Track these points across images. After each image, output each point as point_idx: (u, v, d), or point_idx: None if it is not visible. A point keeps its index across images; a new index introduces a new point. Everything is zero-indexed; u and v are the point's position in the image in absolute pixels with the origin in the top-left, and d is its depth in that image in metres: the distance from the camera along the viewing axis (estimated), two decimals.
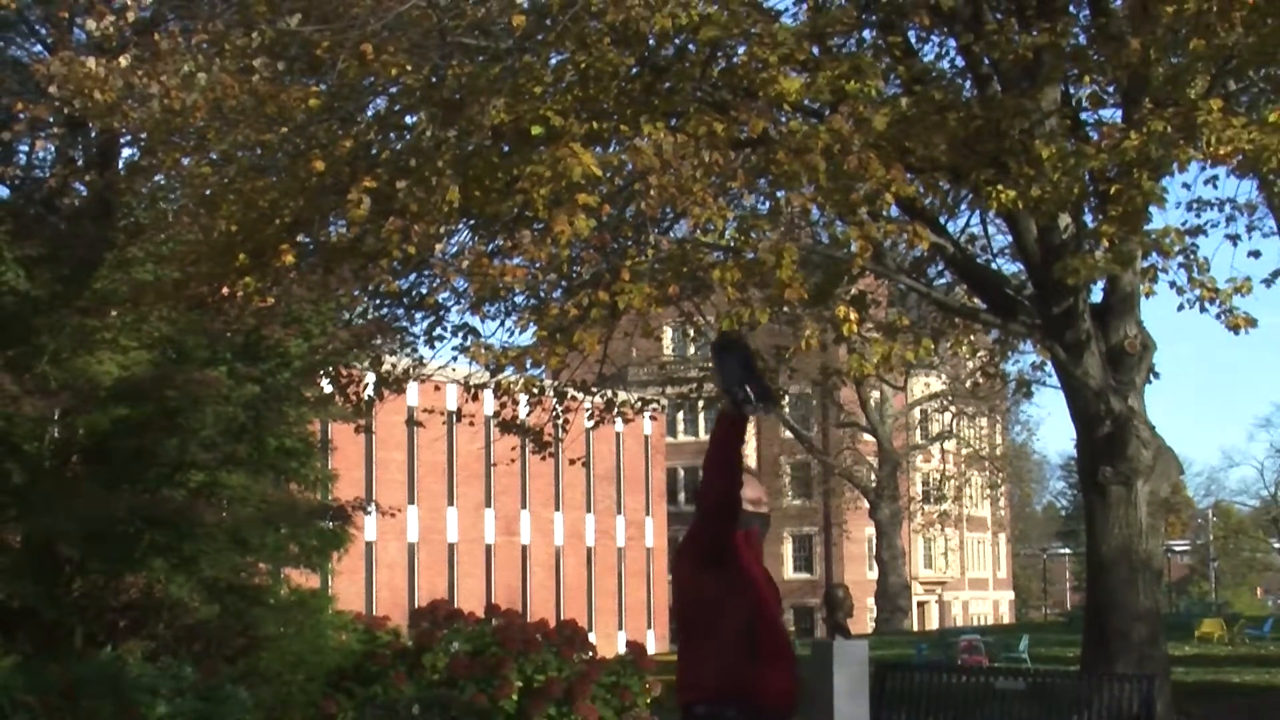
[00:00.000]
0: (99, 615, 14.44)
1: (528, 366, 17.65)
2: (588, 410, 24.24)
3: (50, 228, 14.62)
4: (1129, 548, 19.50)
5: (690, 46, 16.15)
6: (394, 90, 16.55)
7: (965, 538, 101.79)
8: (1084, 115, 18.83)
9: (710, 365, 7.25)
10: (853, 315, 16.09)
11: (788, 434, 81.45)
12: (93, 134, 16.51)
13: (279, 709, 13.81)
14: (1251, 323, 16.40)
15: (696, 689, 7.07)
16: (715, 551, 7.10)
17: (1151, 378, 20.12)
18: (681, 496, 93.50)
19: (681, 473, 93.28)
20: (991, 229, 22.94)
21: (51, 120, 15.96)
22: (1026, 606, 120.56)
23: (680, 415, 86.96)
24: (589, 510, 70.40)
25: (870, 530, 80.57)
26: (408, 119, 16.80)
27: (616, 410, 24.99)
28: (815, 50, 16.70)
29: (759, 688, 7.03)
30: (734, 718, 6.98)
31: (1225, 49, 15.87)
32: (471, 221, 18.11)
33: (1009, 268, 23.03)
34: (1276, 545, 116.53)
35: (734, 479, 7.07)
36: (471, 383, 21.52)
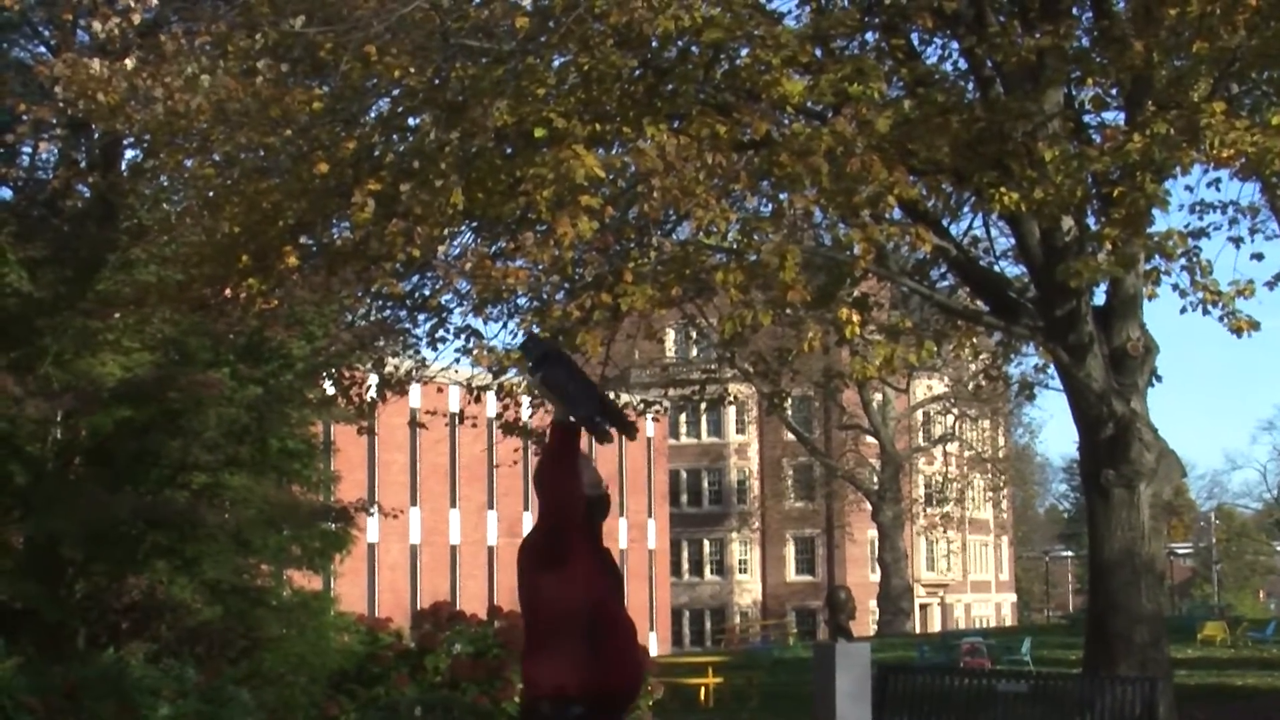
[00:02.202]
0: (101, 617, 14.44)
1: None
2: None
3: (53, 229, 14.63)
4: (1131, 550, 19.49)
5: (693, 49, 16.15)
6: (397, 92, 16.56)
7: (967, 540, 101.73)
8: (1087, 118, 18.84)
9: (557, 380, 7.14)
10: (855, 317, 16.08)
11: (790, 436, 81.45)
12: (96, 136, 16.52)
13: (281, 710, 13.81)
14: (1254, 325, 16.39)
15: (541, 686, 7.13)
16: (556, 554, 7.16)
17: (1154, 380, 20.12)
18: (684, 499, 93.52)
19: (684, 475, 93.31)
20: (994, 231, 22.94)
21: (55, 122, 15.97)
22: (1029, 609, 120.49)
23: (683, 417, 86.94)
24: None
25: (873, 532, 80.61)
26: (411, 121, 16.81)
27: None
28: (818, 52, 16.70)
29: (602, 683, 7.09)
30: (579, 715, 7.03)
31: (1228, 51, 15.87)
32: (474, 223, 18.13)
33: (1011, 270, 23.04)
34: (1279, 548, 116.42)
35: (573, 488, 7.12)
36: (474, 384, 21.52)
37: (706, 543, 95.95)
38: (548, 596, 7.13)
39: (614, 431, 7.21)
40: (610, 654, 7.11)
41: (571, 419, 7.04)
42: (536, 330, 17.52)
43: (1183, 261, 16.64)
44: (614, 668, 7.12)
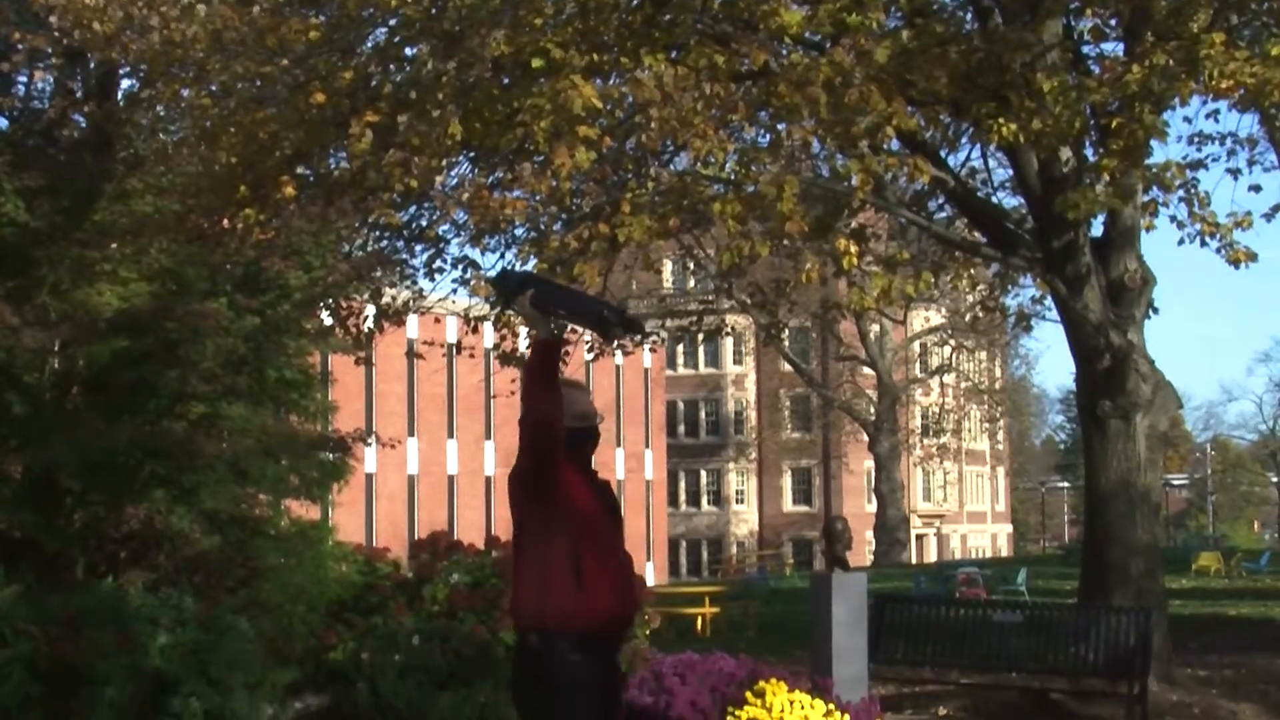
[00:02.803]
0: (100, 546, 14.48)
1: None
2: (587, 343, 24.26)
3: (49, 159, 14.58)
4: (1127, 481, 19.56)
5: None
6: (394, 22, 16.50)
7: (964, 471, 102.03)
8: (1085, 49, 18.77)
9: (554, 303, 7.06)
10: (853, 249, 16.07)
11: (787, 367, 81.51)
12: (92, 65, 16.47)
13: (280, 639, 13.86)
14: (1252, 257, 16.40)
15: (529, 617, 7.09)
16: (539, 481, 7.07)
17: (1151, 312, 20.14)
18: (681, 429, 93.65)
19: (681, 405, 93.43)
20: (992, 163, 22.92)
21: (50, 51, 15.91)
22: (1024, 539, 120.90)
23: (680, 348, 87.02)
24: None
25: (869, 463, 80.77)
26: (408, 51, 16.75)
27: (616, 342, 25.01)
28: None
29: (586, 618, 7.00)
30: (565, 650, 6.97)
31: None
32: (472, 154, 18.10)
33: (1009, 201, 23.02)
34: (1274, 479, 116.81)
35: (553, 407, 6.97)
36: (471, 315, 21.53)
37: (703, 473, 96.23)
38: (538, 525, 7.08)
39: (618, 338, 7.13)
40: (597, 587, 7.02)
41: (556, 333, 6.96)
42: (530, 263, 17.52)
43: (1181, 193, 16.64)
44: (599, 601, 7.02)
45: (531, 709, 7.11)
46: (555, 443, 6.98)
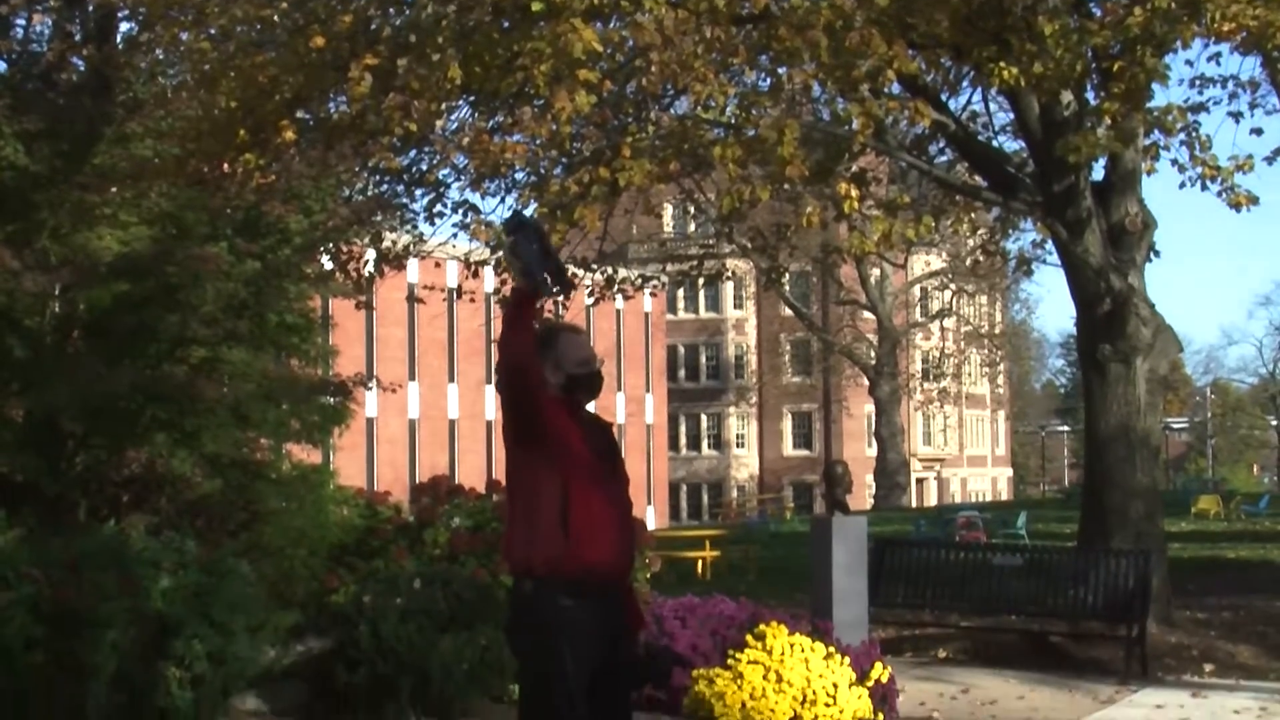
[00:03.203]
0: (101, 490, 14.48)
1: None
2: (588, 287, 24.26)
3: (48, 103, 14.53)
4: (1127, 425, 19.59)
5: None
6: None
7: (964, 415, 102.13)
8: None
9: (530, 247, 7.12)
10: (853, 192, 16.06)
11: (787, 311, 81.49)
12: (91, 8, 16.40)
13: (281, 582, 13.89)
14: (1253, 200, 16.39)
15: (519, 562, 7.14)
16: (525, 427, 7.07)
17: (1152, 256, 20.15)
18: (681, 373, 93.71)
19: (682, 350, 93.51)
20: (993, 106, 22.86)
21: None
22: (1024, 483, 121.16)
23: (680, 292, 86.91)
24: None
25: (869, 407, 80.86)
26: None
27: (617, 287, 25.01)
28: None
29: (575, 564, 7.00)
30: (557, 595, 6.98)
31: None
32: (472, 98, 18.05)
33: (1010, 145, 23.00)
34: (1274, 423, 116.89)
35: (526, 355, 6.98)
36: (472, 260, 21.52)
37: (704, 417, 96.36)
38: (527, 472, 7.08)
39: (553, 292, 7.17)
40: (587, 533, 7.00)
41: (527, 284, 6.99)
42: (531, 207, 17.49)
43: (1182, 136, 16.61)
44: (589, 547, 7.00)
45: (525, 653, 7.15)
46: (530, 388, 6.99)
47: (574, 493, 7.02)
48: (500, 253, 19.06)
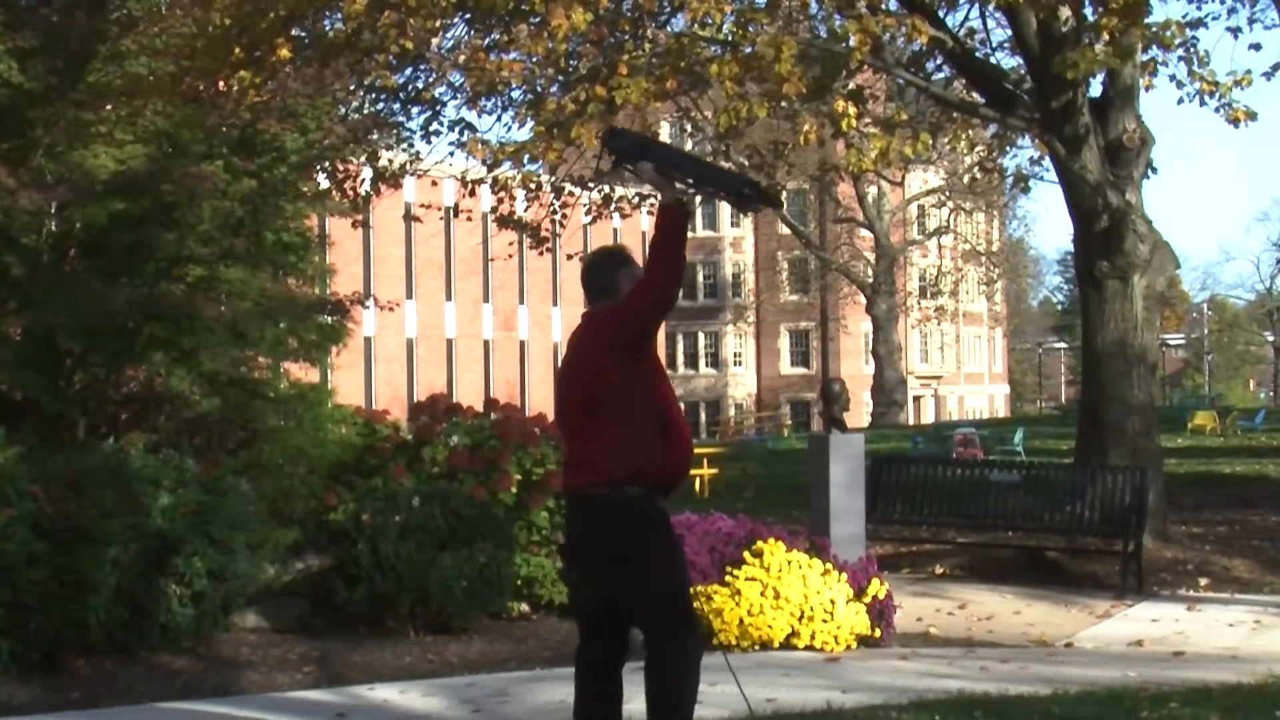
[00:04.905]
0: (100, 408, 14.50)
1: (525, 162, 17.64)
2: (585, 205, 24.24)
3: (42, 19, 14.44)
4: (1124, 341, 19.63)
5: None
6: None
7: (961, 332, 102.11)
8: None
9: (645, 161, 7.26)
10: (851, 110, 16.05)
11: (785, 229, 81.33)
12: None
13: (280, 500, 13.94)
14: (1251, 116, 16.38)
15: (597, 470, 7.18)
16: (641, 339, 7.26)
17: (1149, 172, 20.13)
18: (680, 291, 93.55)
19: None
20: (991, 22, 22.80)
21: None
22: (1022, 400, 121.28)
23: None
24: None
25: (867, 325, 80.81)
26: None
27: (614, 205, 24.98)
28: None
29: (666, 467, 7.22)
30: (635, 494, 7.13)
31: None
32: (468, 15, 17.98)
33: (1008, 62, 22.93)
34: (1270, 338, 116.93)
35: (681, 275, 7.21)
36: (469, 178, 21.49)
37: (701, 336, 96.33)
38: (623, 380, 7.19)
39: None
40: (676, 444, 7.26)
41: (684, 199, 7.13)
42: (527, 127, 17.45)
43: (1180, 52, 16.60)
44: (677, 456, 7.26)
45: (643, 553, 7.20)
46: (672, 307, 7.28)
47: (669, 402, 7.28)
48: (495, 172, 19.03)
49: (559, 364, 7.60)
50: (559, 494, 14.27)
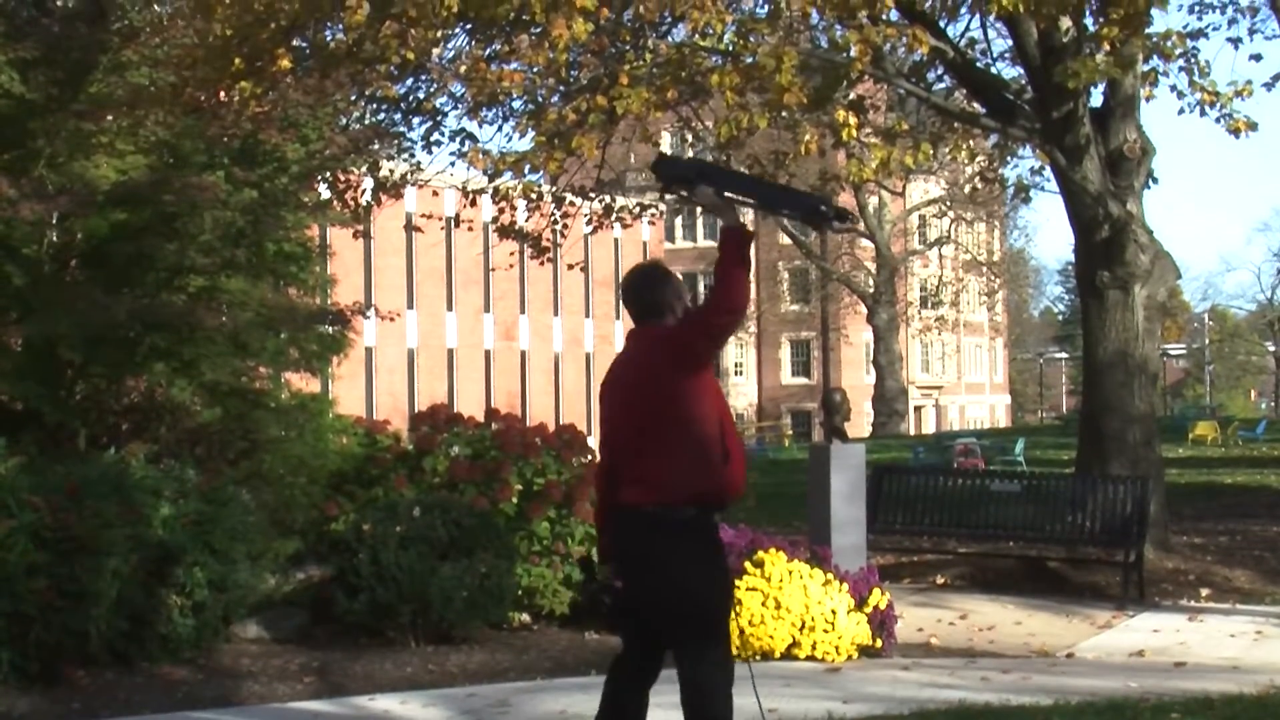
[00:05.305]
0: (101, 418, 14.51)
1: (526, 172, 17.65)
2: (586, 215, 24.24)
3: (44, 30, 14.47)
4: (1125, 351, 19.61)
5: None
6: None
7: (962, 342, 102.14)
8: None
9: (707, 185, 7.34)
10: (852, 120, 16.04)
11: (786, 239, 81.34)
12: None
13: (281, 510, 13.95)
14: (1252, 126, 16.38)
15: (658, 491, 7.21)
16: (706, 360, 7.32)
17: (1150, 182, 20.12)
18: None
19: (680, 278, 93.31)
20: (991, 33, 22.79)
21: None
22: (1022, 410, 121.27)
23: (678, 220, 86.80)
24: (587, 316, 70.59)
25: (868, 335, 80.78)
26: None
27: (615, 215, 24.98)
28: None
29: (724, 487, 7.29)
30: (691, 514, 7.19)
31: None
32: (469, 26, 17.99)
33: (1009, 72, 22.92)
34: (1271, 349, 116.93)
35: (748, 296, 7.25)
36: (470, 188, 21.50)
37: None
38: (684, 400, 7.23)
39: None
40: (737, 458, 7.35)
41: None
42: (527, 137, 17.45)
43: (1181, 62, 16.60)
44: (736, 474, 7.34)
45: (693, 574, 7.22)
46: (739, 326, 7.48)
47: (727, 420, 7.34)
48: (496, 182, 19.02)
49: (603, 381, 7.59)
50: (559, 504, 14.28)
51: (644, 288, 7.58)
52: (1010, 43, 21.21)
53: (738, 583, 12.96)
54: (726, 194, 7.35)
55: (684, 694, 7.22)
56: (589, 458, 15.18)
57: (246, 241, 14.60)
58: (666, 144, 66.67)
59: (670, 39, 19.08)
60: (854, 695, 11.03)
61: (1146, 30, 16.32)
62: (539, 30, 15.48)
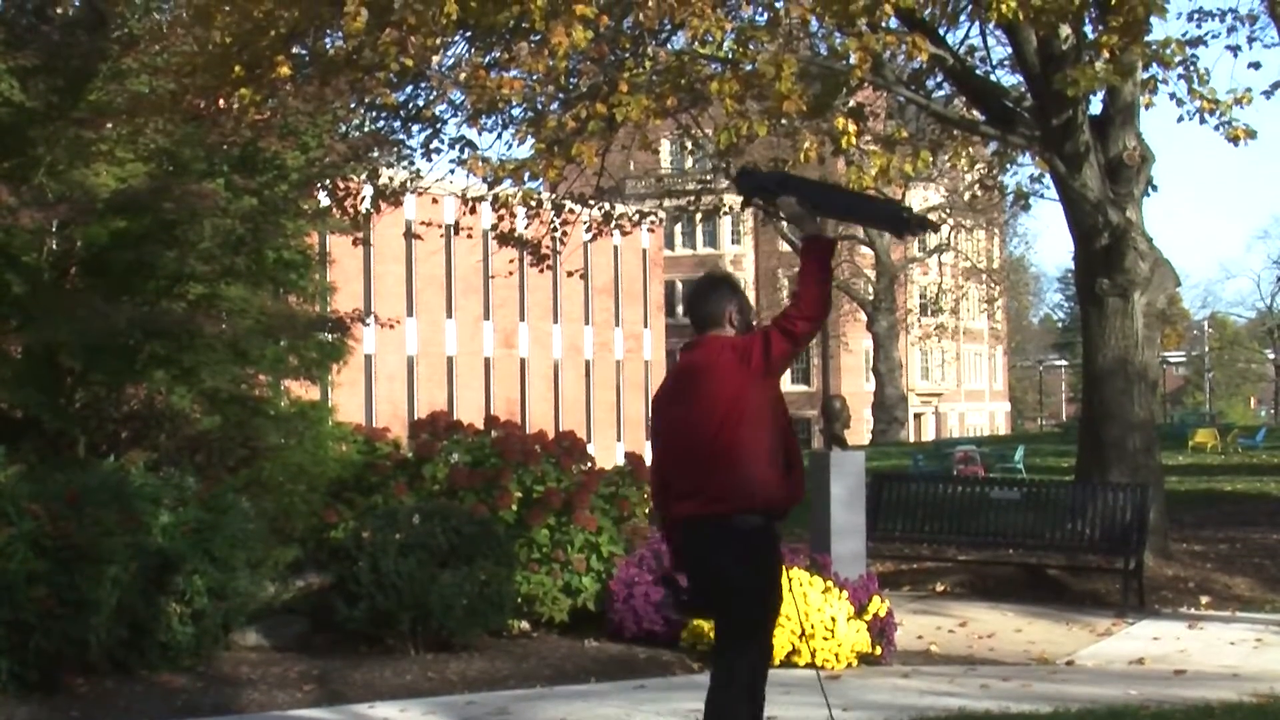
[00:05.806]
0: (101, 425, 14.51)
1: (525, 179, 17.64)
2: (585, 223, 24.24)
3: (43, 38, 14.47)
4: (1125, 359, 19.62)
5: None
6: None
7: (962, 350, 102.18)
8: None
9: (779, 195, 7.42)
10: (851, 127, 16.03)
11: (785, 247, 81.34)
12: None
13: (281, 518, 13.94)
14: (1251, 134, 16.37)
15: (728, 500, 7.23)
16: (780, 368, 7.37)
17: (1149, 190, 20.13)
18: (679, 309, 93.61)
19: (680, 286, 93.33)
20: (991, 40, 22.81)
21: None
22: (1022, 417, 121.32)
23: (678, 228, 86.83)
24: (587, 323, 70.60)
25: (868, 342, 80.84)
26: None
27: (614, 223, 24.99)
28: None
29: (788, 495, 7.36)
30: (758, 522, 7.25)
31: None
32: (468, 33, 17.98)
33: (1008, 79, 22.92)
34: (1271, 356, 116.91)
35: (830, 304, 7.37)
36: (469, 195, 21.49)
37: None
38: (751, 411, 7.25)
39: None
40: (797, 467, 7.44)
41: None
42: (527, 144, 17.45)
43: (1180, 70, 16.57)
44: (799, 485, 7.44)
45: (756, 578, 7.31)
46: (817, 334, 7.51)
47: (789, 430, 7.42)
48: (495, 190, 19.02)
49: (660, 391, 7.63)
50: (559, 511, 14.27)
51: (709, 299, 7.62)
52: (1010, 50, 21.22)
53: None
54: (808, 205, 7.38)
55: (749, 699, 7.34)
56: (589, 465, 15.17)
57: (246, 249, 14.60)
58: (666, 151, 66.80)
59: (670, 46, 19.08)
60: (854, 703, 11.03)
61: (1146, 38, 16.31)
62: (538, 38, 15.48)
